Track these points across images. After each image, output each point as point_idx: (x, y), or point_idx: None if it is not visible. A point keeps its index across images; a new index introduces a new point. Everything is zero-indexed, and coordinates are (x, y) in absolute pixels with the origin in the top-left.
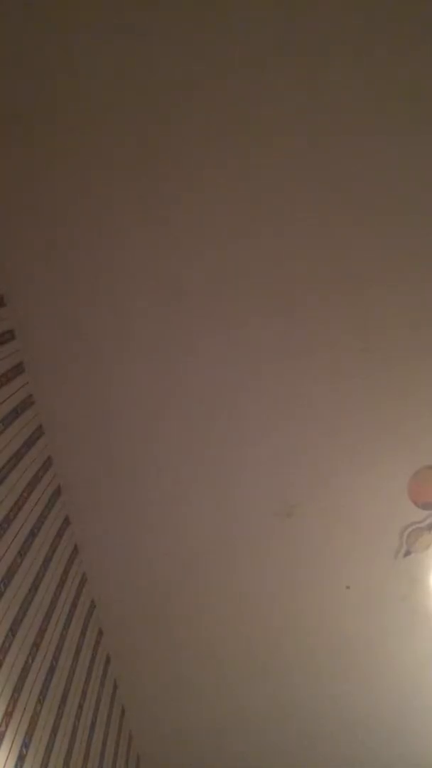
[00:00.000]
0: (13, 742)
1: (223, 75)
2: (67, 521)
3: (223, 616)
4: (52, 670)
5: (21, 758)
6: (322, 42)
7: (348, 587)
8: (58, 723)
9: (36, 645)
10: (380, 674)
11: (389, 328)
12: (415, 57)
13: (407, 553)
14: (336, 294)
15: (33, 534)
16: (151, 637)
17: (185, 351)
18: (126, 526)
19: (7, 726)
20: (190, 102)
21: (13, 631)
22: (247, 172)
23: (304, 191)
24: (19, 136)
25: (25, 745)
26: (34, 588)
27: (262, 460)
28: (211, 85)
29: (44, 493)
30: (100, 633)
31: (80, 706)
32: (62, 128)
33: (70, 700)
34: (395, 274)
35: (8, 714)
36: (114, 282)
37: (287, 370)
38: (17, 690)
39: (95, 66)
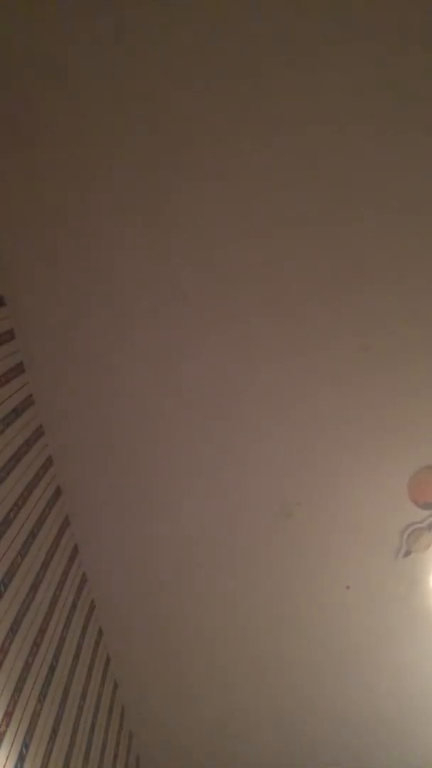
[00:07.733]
0: (13, 742)
1: (223, 76)
2: (67, 521)
3: (223, 616)
4: (52, 670)
5: (21, 758)
6: (322, 42)
7: (348, 587)
8: (58, 723)
9: (36, 645)
10: (380, 674)
11: (389, 328)
12: (416, 56)
13: (407, 553)
14: (336, 294)
15: (33, 534)
16: (151, 637)
17: (185, 351)
18: (126, 526)
19: (7, 726)
20: (189, 103)
21: (13, 631)
22: (247, 173)
23: (303, 191)
24: (19, 137)
25: (25, 745)
26: (34, 588)
27: (262, 460)
28: (209, 86)
29: (44, 493)
30: (100, 633)
31: (80, 706)
32: (63, 130)
33: (70, 700)
34: (395, 273)
35: (8, 714)
36: (114, 282)
37: (287, 370)
38: (17, 690)
39: (95, 68)
